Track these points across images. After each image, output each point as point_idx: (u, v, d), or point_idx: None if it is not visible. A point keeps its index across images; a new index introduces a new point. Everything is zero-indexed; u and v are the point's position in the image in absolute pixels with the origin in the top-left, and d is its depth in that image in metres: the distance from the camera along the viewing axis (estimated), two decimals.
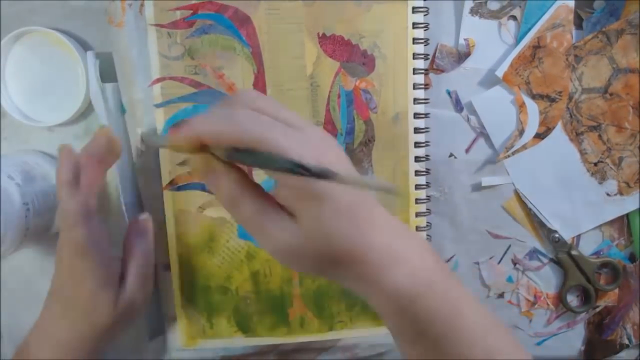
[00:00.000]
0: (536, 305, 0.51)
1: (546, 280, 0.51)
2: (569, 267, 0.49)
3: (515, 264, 0.50)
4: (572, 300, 0.51)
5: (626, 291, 0.51)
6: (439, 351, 0.31)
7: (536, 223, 0.49)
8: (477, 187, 0.49)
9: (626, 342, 0.51)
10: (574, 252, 0.49)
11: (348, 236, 0.29)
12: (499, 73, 0.47)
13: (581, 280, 0.50)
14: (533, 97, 0.47)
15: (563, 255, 0.49)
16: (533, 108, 0.47)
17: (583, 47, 0.47)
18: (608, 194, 0.49)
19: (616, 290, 0.50)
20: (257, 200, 0.30)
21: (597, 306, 0.51)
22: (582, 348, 0.52)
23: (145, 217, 0.41)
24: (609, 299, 0.50)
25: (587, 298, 0.50)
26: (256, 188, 0.31)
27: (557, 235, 0.49)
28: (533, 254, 0.50)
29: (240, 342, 0.47)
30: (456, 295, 0.31)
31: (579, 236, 0.50)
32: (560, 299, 0.50)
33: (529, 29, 0.47)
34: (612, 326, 0.51)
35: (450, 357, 0.30)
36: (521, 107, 0.47)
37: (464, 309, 0.31)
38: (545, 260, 0.50)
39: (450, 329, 0.30)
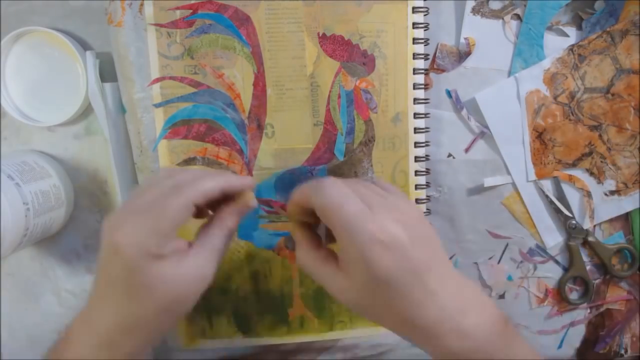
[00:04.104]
0: (546, 302, 0.50)
1: (548, 277, 0.51)
2: (575, 257, 0.49)
3: (520, 261, 0.50)
4: (573, 294, 0.51)
5: (631, 301, 0.51)
6: None
7: (552, 210, 0.49)
8: (477, 187, 0.49)
9: (621, 351, 0.51)
10: (590, 239, 0.49)
11: (395, 305, 0.32)
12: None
13: (582, 271, 0.50)
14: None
15: (574, 243, 0.49)
16: None
17: (587, 47, 0.47)
18: (606, 194, 0.48)
19: (624, 294, 0.50)
20: (319, 261, 0.35)
21: (600, 306, 0.51)
22: (577, 346, 0.52)
23: (253, 204, 0.37)
24: (614, 297, 0.50)
25: (586, 291, 0.50)
26: (320, 252, 0.35)
27: (574, 222, 0.49)
28: (533, 251, 0.50)
29: (240, 342, 0.47)
30: (514, 356, 0.32)
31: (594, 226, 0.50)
32: (559, 289, 0.50)
33: (530, 29, 0.46)
34: (607, 339, 0.51)
35: None
36: None
37: None
38: (546, 257, 0.50)
39: None
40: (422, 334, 0.32)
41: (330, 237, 0.37)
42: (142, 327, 0.33)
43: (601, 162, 0.48)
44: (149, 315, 0.32)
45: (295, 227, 0.37)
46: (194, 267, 0.33)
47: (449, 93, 0.48)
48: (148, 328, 0.33)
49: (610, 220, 0.50)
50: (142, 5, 0.43)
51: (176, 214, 0.32)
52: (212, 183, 0.34)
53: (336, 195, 0.32)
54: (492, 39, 0.47)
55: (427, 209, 0.47)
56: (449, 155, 0.49)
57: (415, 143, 0.46)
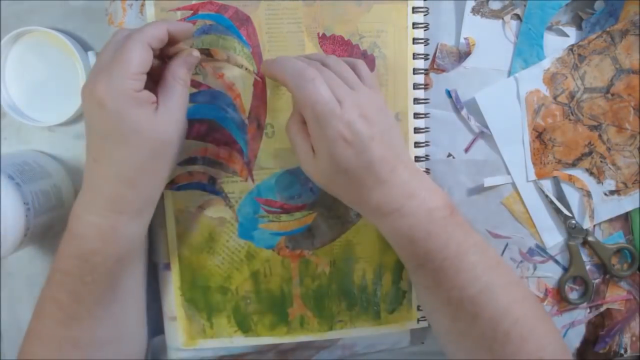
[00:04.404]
0: (546, 302, 0.50)
1: (547, 276, 0.51)
2: (575, 257, 0.49)
3: (520, 261, 0.50)
4: (573, 294, 0.51)
5: (631, 301, 0.51)
6: (439, 282, 0.38)
7: (552, 210, 0.49)
8: (477, 187, 0.49)
9: (621, 351, 0.51)
10: (590, 239, 0.49)
11: (348, 189, 0.38)
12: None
13: (582, 271, 0.50)
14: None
15: (574, 243, 0.49)
16: None
17: (587, 47, 0.47)
18: (606, 194, 0.49)
19: (623, 294, 0.50)
20: (299, 136, 0.39)
21: (600, 305, 0.51)
22: (577, 346, 0.52)
23: (196, 54, 0.40)
24: (614, 297, 0.50)
25: (586, 291, 0.50)
26: (304, 128, 0.38)
27: (573, 222, 0.49)
28: (533, 251, 0.50)
29: (240, 342, 0.47)
30: (459, 241, 0.38)
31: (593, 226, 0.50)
32: (559, 289, 0.50)
33: (529, 29, 0.47)
34: (607, 339, 0.51)
35: (450, 287, 0.37)
36: None
37: (464, 253, 0.37)
38: (545, 257, 0.50)
39: (448, 266, 0.37)
40: (371, 212, 0.38)
41: None
42: (140, 175, 0.36)
43: (601, 162, 0.48)
44: (143, 160, 0.36)
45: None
46: (167, 113, 0.36)
47: (449, 93, 0.48)
48: (145, 176, 0.37)
49: (610, 220, 0.50)
50: (142, 6, 0.43)
51: (137, 54, 0.35)
52: (157, 25, 0.37)
53: (313, 92, 0.35)
54: (492, 39, 0.47)
55: None
56: (449, 155, 0.49)
57: (415, 143, 0.46)
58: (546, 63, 0.47)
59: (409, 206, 0.37)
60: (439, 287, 0.38)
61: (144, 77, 0.35)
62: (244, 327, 0.47)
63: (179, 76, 0.38)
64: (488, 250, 0.39)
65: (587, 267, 0.50)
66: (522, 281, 0.50)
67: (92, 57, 0.45)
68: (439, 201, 0.38)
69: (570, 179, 0.48)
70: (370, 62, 0.44)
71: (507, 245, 0.50)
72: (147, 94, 0.36)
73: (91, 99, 0.35)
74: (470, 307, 0.37)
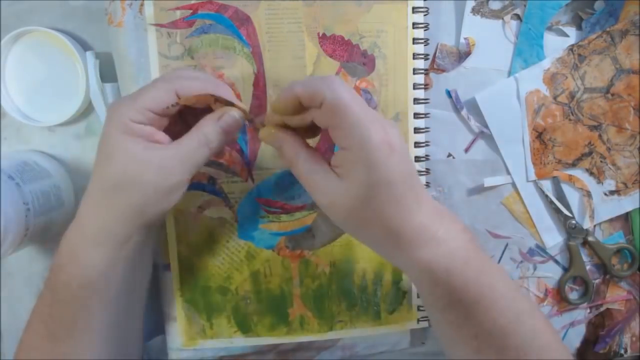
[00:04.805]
0: (546, 302, 0.50)
1: (547, 277, 0.51)
2: (575, 257, 0.49)
3: (520, 261, 0.50)
4: (573, 294, 0.51)
5: (631, 301, 0.51)
6: (470, 316, 0.34)
7: (552, 210, 0.49)
8: (477, 187, 0.49)
9: (621, 351, 0.51)
10: (590, 239, 0.49)
11: (387, 210, 0.33)
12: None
13: (582, 271, 0.50)
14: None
15: (574, 243, 0.49)
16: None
17: (587, 47, 0.47)
18: (606, 194, 0.49)
19: (623, 294, 0.50)
20: (310, 161, 0.35)
21: (600, 305, 0.51)
22: (577, 346, 0.52)
23: (235, 114, 0.36)
24: (614, 297, 0.50)
25: (586, 291, 0.51)
26: (310, 151, 0.35)
27: (573, 222, 0.49)
28: (533, 251, 0.50)
29: (240, 342, 0.47)
30: (488, 269, 0.35)
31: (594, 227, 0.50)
32: (559, 289, 0.50)
33: (529, 29, 0.47)
34: (607, 339, 0.51)
35: (482, 321, 0.34)
36: None
37: (494, 281, 0.34)
38: (545, 257, 0.50)
39: (482, 297, 0.34)
40: (404, 244, 0.33)
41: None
42: (98, 204, 0.34)
43: (601, 162, 0.48)
44: (104, 190, 0.34)
45: (277, 130, 0.36)
46: (159, 158, 0.33)
47: (449, 93, 0.48)
48: (102, 207, 0.34)
49: (610, 220, 0.50)
50: (142, 5, 0.43)
51: (156, 93, 0.33)
52: (199, 81, 0.35)
53: (348, 94, 0.32)
54: (492, 39, 0.47)
55: None
56: (449, 155, 0.49)
57: (415, 143, 0.46)
58: (546, 63, 0.47)
59: (444, 230, 0.34)
60: (470, 320, 0.34)
61: (150, 115, 0.34)
62: (244, 327, 0.47)
63: (202, 131, 0.35)
64: (506, 274, 0.37)
65: (587, 267, 0.50)
66: (535, 303, 0.49)
67: (91, 57, 0.44)
68: (459, 225, 0.35)
69: (570, 179, 0.48)
70: (370, 62, 0.44)
71: (507, 245, 0.50)
72: (147, 129, 0.34)
73: (106, 116, 0.35)
74: (499, 339, 0.34)
